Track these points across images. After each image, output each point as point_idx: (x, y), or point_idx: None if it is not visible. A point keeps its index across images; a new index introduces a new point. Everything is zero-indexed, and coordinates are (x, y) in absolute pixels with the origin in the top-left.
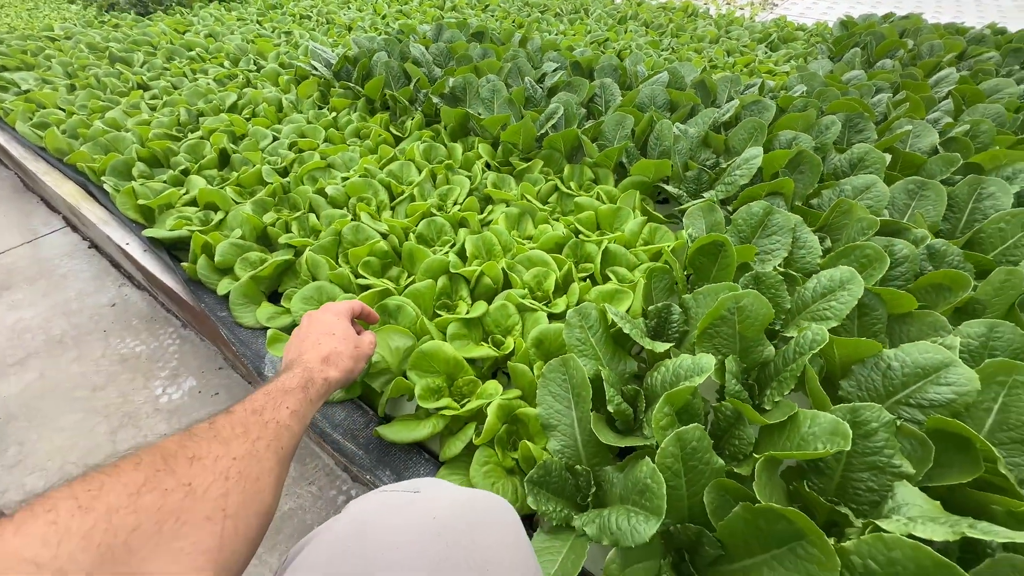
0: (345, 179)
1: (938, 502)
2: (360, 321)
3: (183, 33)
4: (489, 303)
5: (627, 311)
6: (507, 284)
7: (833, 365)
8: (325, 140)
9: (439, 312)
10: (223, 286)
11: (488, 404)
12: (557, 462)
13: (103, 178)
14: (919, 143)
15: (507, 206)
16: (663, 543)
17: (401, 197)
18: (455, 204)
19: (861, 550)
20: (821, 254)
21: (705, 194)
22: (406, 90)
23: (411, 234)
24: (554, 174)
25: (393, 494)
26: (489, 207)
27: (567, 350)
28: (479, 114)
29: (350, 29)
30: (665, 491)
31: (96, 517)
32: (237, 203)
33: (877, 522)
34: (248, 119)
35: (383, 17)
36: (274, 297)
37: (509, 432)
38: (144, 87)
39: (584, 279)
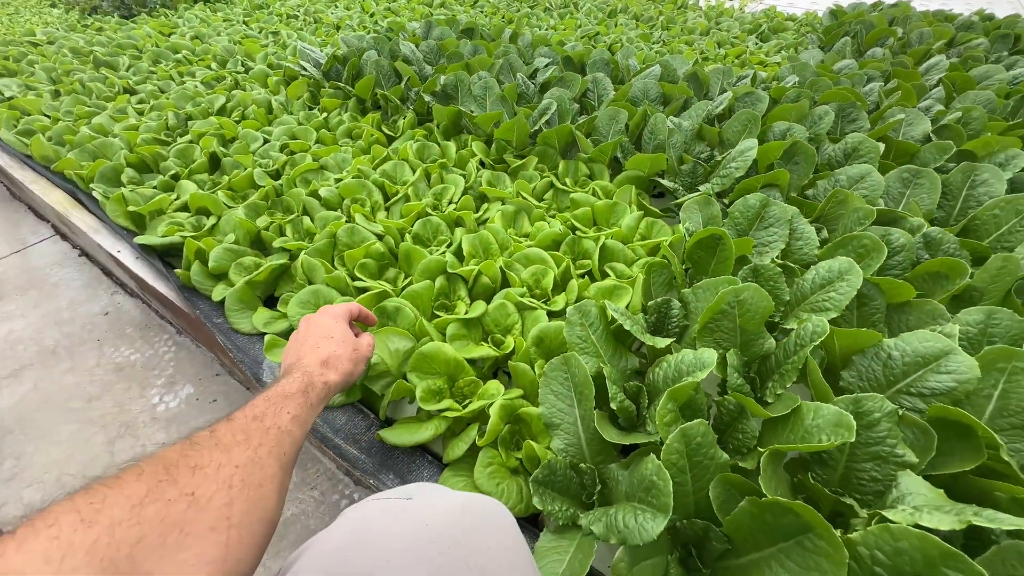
0: (338, 180)
1: (942, 490)
2: (358, 324)
3: (168, 35)
4: (488, 302)
5: (627, 307)
6: (505, 283)
7: (834, 356)
8: (317, 141)
9: (438, 313)
10: (218, 292)
11: (490, 405)
12: (561, 461)
13: (92, 185)
14: (912, 131)
15: (503, 204)
16: (670, 539)
17: (396, 197)
18: (450, 203)
19: (868, 541)
20: (818, 245)
21: (701, 187)
22: (397, 89)
23: (407, 235)
24: (549, 171)
25: (386, 502)
26: (485, 205)
27: (568, 348)
28: (472, 112)
29: (338, 28)
30: (671, 488)
31: (99, 531)
32: (229, 207)
33: (883, 512)
34: (238, 122)
35: (371, 15)
36: (270, 302)
37: (512, 432)
38: (130, 91)
39: (582, 276)
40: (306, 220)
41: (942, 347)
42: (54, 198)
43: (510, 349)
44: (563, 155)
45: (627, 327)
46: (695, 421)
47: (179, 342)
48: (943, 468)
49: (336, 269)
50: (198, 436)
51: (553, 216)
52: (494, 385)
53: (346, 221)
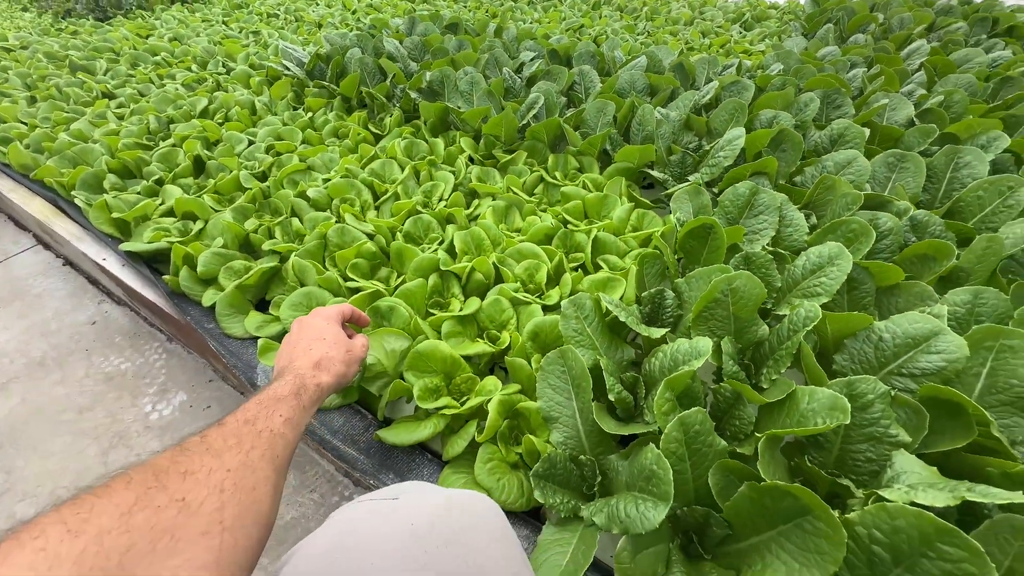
0: (326, 181)
1: (935, 468)
2: (352, 325)
3: (146, 37)
4: (482, 299)
5: (621, 299)
6: (499, 279)
7: (826, 340)
8: (303, 142)
9: (432, 311)
10: (208, 297)
11: (488, 401)
12: (561, 454)
13: (73, 192)
14: (895, 116)
15: (493, 200)
16: (671, 527)
17: (385, 196)
18: (440, 200)
19: (865, 520)
20: (808, 231)
21: (690, 177)
22: (383, 86)
23: (398, 233)
24: (538, 165)
25: (373, 503)
26: (475, 201)
27: (564, 341)
28: (459, 107)
29: (320, 26)
30: (671, 476)
31: (87, 540)
32: (216, 211)
33: (879, 492)
34: (221, 124)
35: (353, 12)
36: (262, 305)
37: (511, 427)
38: (109, 95)
39: (575, 269)
40: (295, 222)
41: (931, 328)
42: (35, 207)
43: (506, 345)
44: (552, 149)
45: (622, 318)
46: (693, 409)
47: (170, 349)
48: (935, 446)
49: (328, 270)
50: (189, 442)
51: (544, 210)
52: (491, 381)
53: (336, 221)
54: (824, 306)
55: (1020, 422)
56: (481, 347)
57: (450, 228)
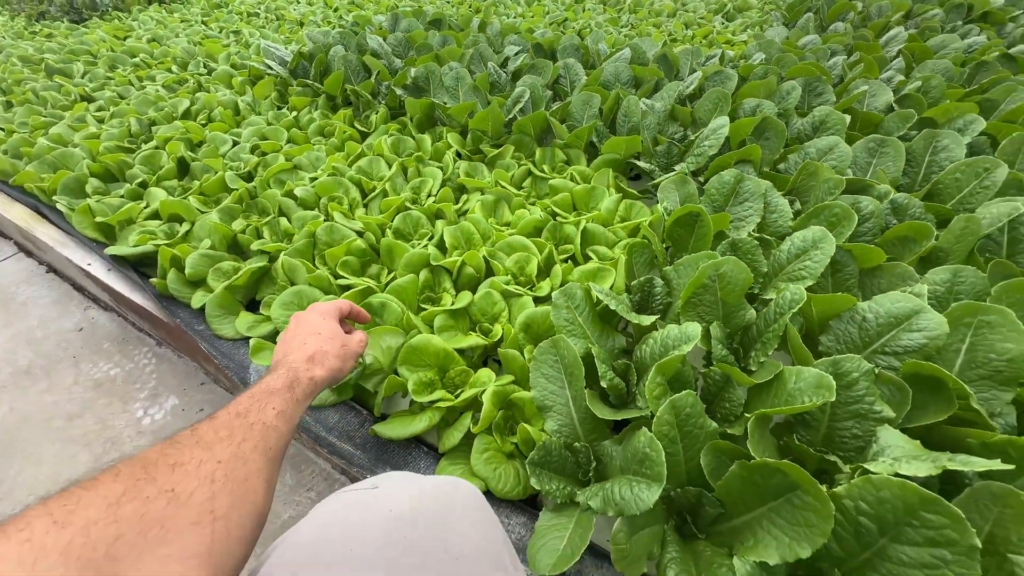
0: (313, 179)
1: (918, 441)
2: (350, 321)
3: (123, 39)
4: (473, 292)
5: (611, 288)
6: (489, 272)
7: (811, 322)
8: (288, 141)
9: (424, 306)
10: (197, 299)
11: (482, 392)
12: (556, 442)
13: (55, 197)
14: (875, 102)
15: (482, 194)
16: (665, 508)
17: (373, 193)
18: (429, 196)
19: (852, 493)
20: (792, 217)
21: (676, 167)
22: (367, 83)
23: (387, 230)
24: (526, 158)
25: (353, 493)
26: (464, 196)
27: (556, 331)
28: (445, 103)
29: (302, 25)
30: (664, 458)
31: (73, 532)
32: (203, 212)
33: (864, 465)
34: (204, 125)
35: (335, 10)
36: (253, 306)
37: (506, 417)
38: (88, 99)
39: (565, 260)
40: (283, 221)
41: (912, 306)
42: (15, 213)
43: (498, 337)
44: (539, 142)
45: (612, 307)
46: (683, 392)
47: (160, 354)
48: (918, 420)
49: (318, 268)
50: (180, 436)
51: (533, 203)
52: (485, 373)
53: (324, 220)
54: (809, 289)
55: (998, 395)
56: (474, 340)
57: (439, 223)
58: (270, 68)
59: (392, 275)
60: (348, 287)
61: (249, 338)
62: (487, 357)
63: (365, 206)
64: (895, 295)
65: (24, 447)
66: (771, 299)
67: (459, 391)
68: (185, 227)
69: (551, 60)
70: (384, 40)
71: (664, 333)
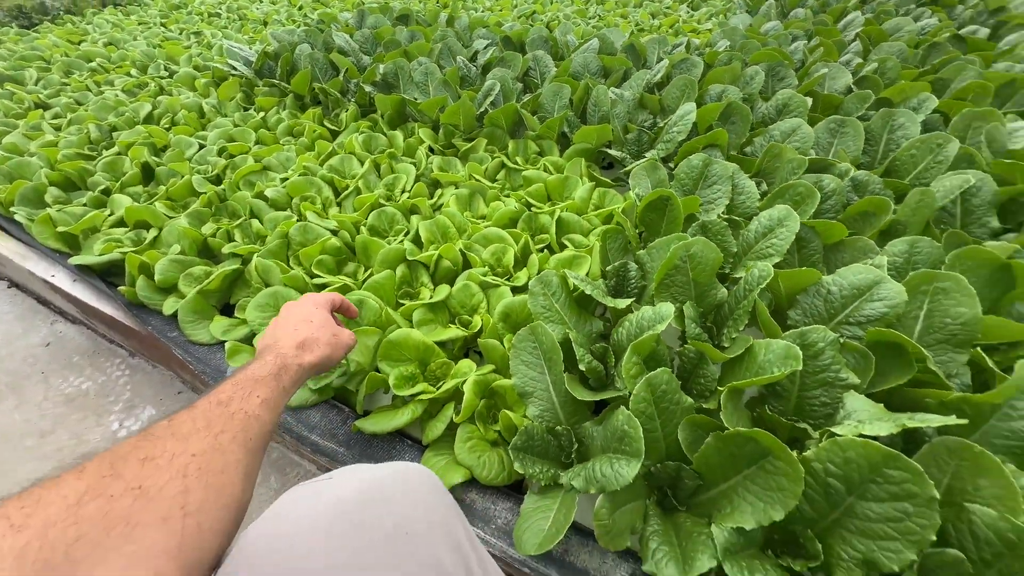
0: (284, 180)
1: (881, 405)
2: (340, 316)
3: (78, 43)
4: (451, 285)
5: (586, 274)
6: (467, 265)
7: (780, 297)
8: (257, 142)
9: (402, 301)
10: (169, 305)
11: (464, 382)
12: (538, 426)
13: (12, 209)
14: (835, 84)
15: (456, 188)
16: (646, 484)
17: (346, 192)
18: (403, 192)
19: (820, 456)
20: (759, 197)
21: (647, 154)
22: (336, 81)
23: (362, 227)
24: (499, 151)
25: (306, 486)
26: (438, 191)
27: (533, 319)
28: (415, 99)
29: (266, 24)
30: (642, 434)
31: (30, 535)
32: (170, 218)
33: (831, 429)
34: (168, 128)
35: (300, 8)
36: (228, 311)
37: (488, 406)
38: (43, 106)
39: (541, 250)
40: (255, 223)
41: (873, 277)
42: None
43: (478, 328)
44: (511, 135)
45: (588, 292)
46: (659, 370)
47: (133, 364)
48: (881, 385)
49: (292, 269)
50: (155, 427)
51: (508, 195)
52: (466, 364)
53: (297, 220)
54: (777, 265)
55: (955, 357)
56: (453, 332)
57: (414, 219)
58: (234, 69)
59: (369, 272)
60: (324, 286)
61: (224, 342)
62: (468, 349)
63: (339, 205)
64: (857, 267)
65: None
66: (741, 277)
67: (440, 383)
68: (153, 233)
69: (520, 53)
70: (351, 37)
71: (639, 315)
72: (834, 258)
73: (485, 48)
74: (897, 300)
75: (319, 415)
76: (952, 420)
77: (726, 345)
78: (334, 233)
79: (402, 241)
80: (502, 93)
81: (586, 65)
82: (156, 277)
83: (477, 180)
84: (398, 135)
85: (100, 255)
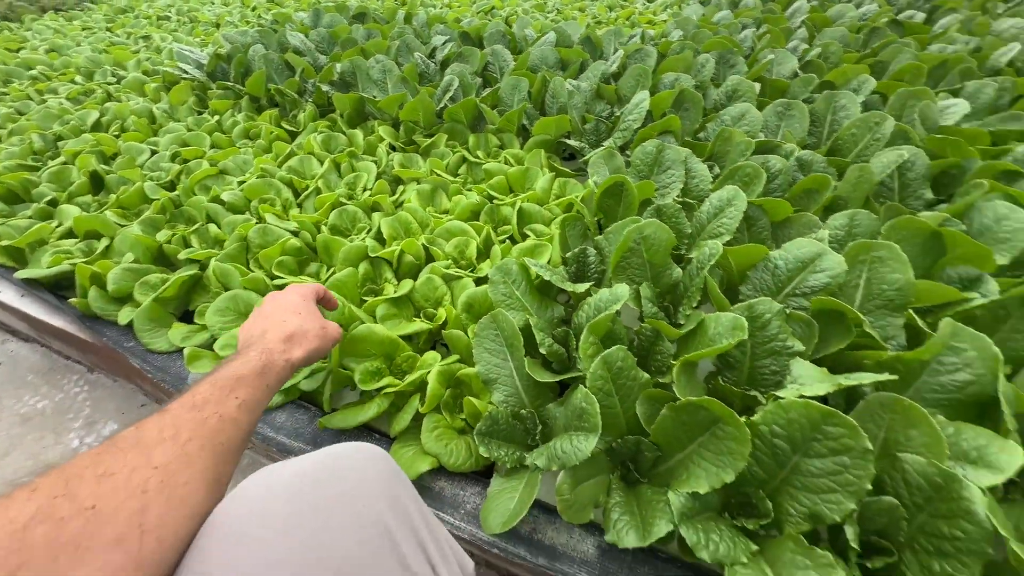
0: (241, 183)
1: (825, 369)
2: (321, 308)
3: (17, 51)
4: (414, 280)
5: (548, 261)
6: (430, 259)
7: (732, 274)
8: (212, 146)
9: (366, 298)
10: (124, 315)
11: (428, 373)
12: (503, 411)
13: None
14: (782, 70)
15: (418, 184)
16: (609, 460)
17: (306, 192)
18: (365, 190)
19: (766, 419)
20: (712, 180)
21: (605, 143)
22: (292, 82)
23: (323, 227)
24: (460, 146)
25: (263, 470)
26: (400, 188)
27: (495, 307)
28: (374, 96)
29: (218, 26)
30: (598, 409)
31: None
32: (123, 226)
33: (776, 393)
34: (117, 136)
35: (253, 9)
36: (188, 317)
37: (454, 396)
38: None
39: (504, 241)
40: (212, 227)
41: (816, 250)
42: None
43: (443, 320)
44: (472, 129)
45: (546, 277)
46: (614, 348)
47: (92, 380)
48: (825, 350)
49: (252, 271)
50: (122, 435)
51: (470, 189)
52: (431, 356)
53: (256, 222)
54: (727, 244)
55: (892, 321)
56: (418, 325)
57: (376, 216)
58: (185, 72)
59: (331, 271)
60: (285, 286)
61: (184, 348)
62: (435, 342)
63: (299, 206)
64: (800, 241)
65: None
66: (694, 257)
67: (407, 376)
68: (104, 243)
69: (479, 48)
70: (306, 37)
71: (597, 297)
72: (782, 234)
73: (443, 44)
74: (838, 270)
75: (285, 415)
76: (883, 376)
77: (682, 322)
78: (295, 234)
79: (364, 239)
80: (461, 88)
81: (544, 58)
82: (109, 287)
83: (439, 175)
84: (358, 134)
85: (49, 268)
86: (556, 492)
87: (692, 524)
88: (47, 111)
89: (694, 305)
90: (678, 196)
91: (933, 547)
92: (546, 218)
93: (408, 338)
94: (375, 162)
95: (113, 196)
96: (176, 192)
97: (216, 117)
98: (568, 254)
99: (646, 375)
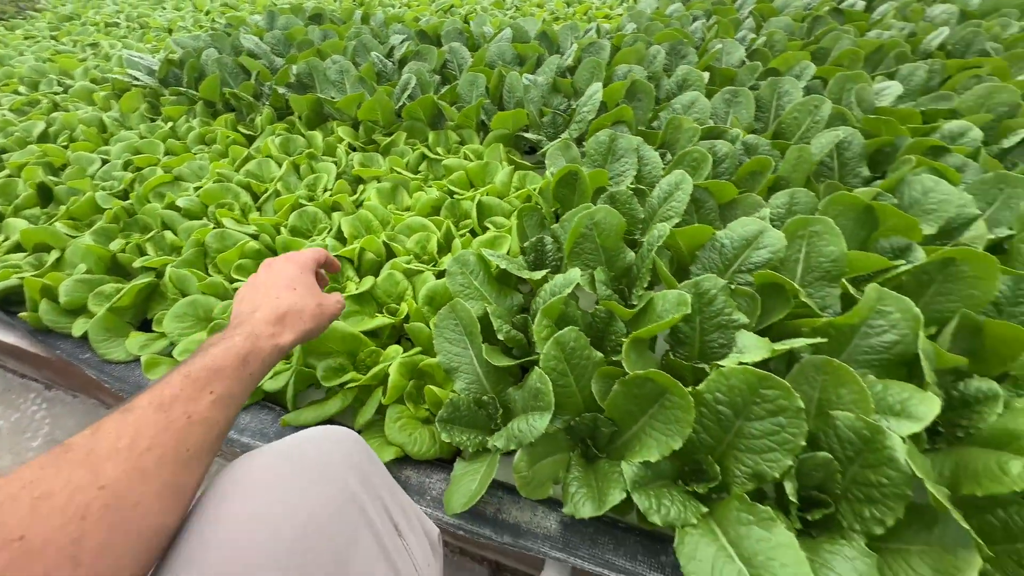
0: (198, 189)
1: (767, 338)
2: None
3: None
4: (376, 276)
5: (507, 252)
6: (391, 255)
7: (682, 255)
8: (166, 153)
9: None
10: (78, 326)
11: (390, 365)
12: (464, 398)
13: None
14: (730, 59)
15: (379, 182)
16: (568, 438)
17: (265, 195)
18: (325, 191)
19: (710, 387)
20: (663, 167)
21: (563, 135)
22: (247, 85)
23: (283, 229)
24: (420, 143)
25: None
26: (361, 187)
27: (453, 297)
28: (332, 97)
29: (171, 32)
30: (552, 388)
31: None
32: (74, 237)
33: (718, 363)
34: (66, 146)
35: (207, 13)
36: (146, 328)
37: (418, 387)
38: None
39: (464, 235)
40: (168, 235)
41: (758, 228)
42: None
43: (405, 314)
44: (432, 126)
45: (503, 266)
46: (566, 328)
47: (51, 397)
48: (767, 321)
49: (211, 276)
50: (76, 442)
51: (430, 186)
52: (394, 349)
53: (214, 227)
54: (677, 226)
55: (829, 291)
56: (380, 320)
57: (336, 216)
58: (136, 79)
59: None
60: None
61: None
62: (400, 336)
63: (259, 209)
64: (744, 220)
65: None
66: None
67: (370, 370)
68: (54, 255)
69: (436, 46)
70: (261, 39)
71: (552, 283)
72: (729, 215)
73: (401, 43)
74: (778, 246)
75: (249, 416)
76: (815, 340)
77: (635, 303)
78: (254, 237)
79: (325, 239)
80: (419, 86)
81: (501, 54)
82: (61, 299)
83: (399, 173)
84: (317, 135)
85: None
86: (514, 470)
87: (644, 491)
88: None
89: (645, 286)
90: (632, 183)
91: (864, 495)
92: (506, 211)
93: (372, 334)
94: (335, 163)
95: (63, 208)
96: (130, 201)
97: (170, 123)
98: (526, 243)
99: (600, 354)
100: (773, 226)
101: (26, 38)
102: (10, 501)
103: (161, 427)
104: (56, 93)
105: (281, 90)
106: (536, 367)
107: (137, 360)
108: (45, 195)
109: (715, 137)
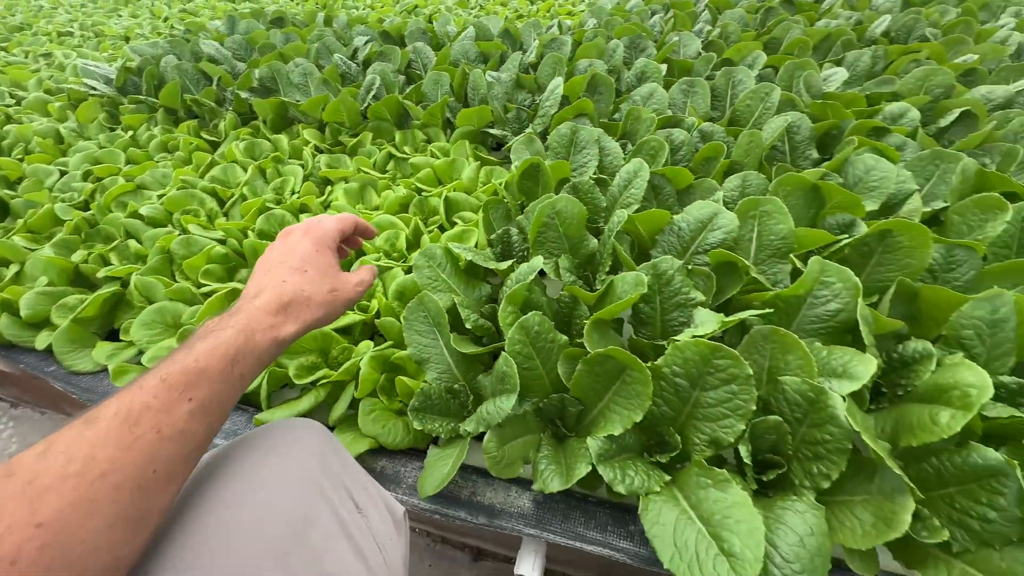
0: (161, 196)
1: (721, 314)
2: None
3: None
4: None
5: (475, 244)
6: (361, 254)
7: (643, 240)
8: (128, 162)
9: None
10: (42, 339)
11: (361, 360)
12: (436, 387)
13: None
14: (687, 51)
15: (346, 183)
16: (539, 420)
17: (232, 200)
18: (293, 193)
19: (667, 361)
20: (624, 157)
21: (527, 130)
22: (209, 91)
23: (251, 232)
24: (387, 143)
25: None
26: (329, 188)
27: (421, 290)
28: (296, 100)
29: (128, 39)
30: (517, 370)
31: None
32: (33, 250)
33: (674, 338)
34: (21, 159)
35: (165, 20)
36: (113, 338)
37: (390, 380)
38: None
39: (432, 230)
40: (132, 243)
41: (712, 210)
42: None
43: (376, 311)
44: (399, 126)
45: (469, 258)
46: (530, 313)
47: (17, 415)
48: (722, 298)
49: (178, 282)
50: (21, 461)
51: (398, 184)
52: (366, 344)
53: (180, 234)
54: (637, 212)
55: (780, 267)
56: (352, 318)
57: (304, 217)
58: (93, 89)
59: None
60: (213, 293)
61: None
62: (373, 333)
63: (225, 215)
64: (699, 203)
65: None
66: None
67: (342, 366)
68: (14, 269)
69: (400, 46)
70: (222, 44)
71: (517, 272)
72: (686, 200)
73: (364, 44)
74: (731, 226)
75: None
76: (763, 311)
77: (598, 287)
78: (221, 242)
79: None
80: (384, 86)
81: (465, 52)
82: (23, 312)
83: (366, 173)
84: (282, 139)
85: None
86: (483, 451)
87: (610, 463)
88: None
89: (608, 271)
90: (594, 173)
91: (811, 453)
92: (474, 206)
93: (344, 331)
94: (302, 165)
95: (20, 221)
96: (91, 211)
97: (130, 132)
98: (492, 236)
99: (565, 337)
100: (727, 208)
101: None
102: None
103: (125, 446)
104: (8, 106)
105: (244, 95)
106: (503, 353)
107: (105, 370)
108: (2, 209)
109: (672, 126)
